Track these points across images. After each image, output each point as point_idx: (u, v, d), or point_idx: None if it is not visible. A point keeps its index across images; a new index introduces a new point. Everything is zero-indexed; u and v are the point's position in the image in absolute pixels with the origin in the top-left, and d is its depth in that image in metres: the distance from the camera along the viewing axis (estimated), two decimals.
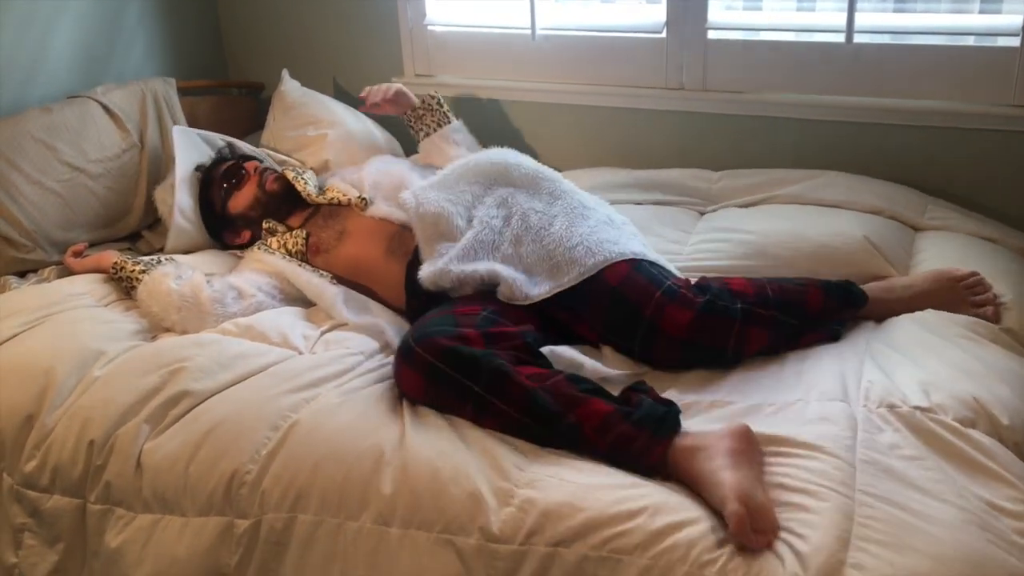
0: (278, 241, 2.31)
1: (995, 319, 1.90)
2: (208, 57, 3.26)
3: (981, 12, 2.46)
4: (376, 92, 2.62)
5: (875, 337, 1.86)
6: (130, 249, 2.57)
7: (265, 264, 2.23)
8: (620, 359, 1.87)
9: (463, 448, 1.58)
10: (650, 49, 2.69)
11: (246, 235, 2.43)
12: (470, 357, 1.66)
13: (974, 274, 1.97)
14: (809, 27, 2.59)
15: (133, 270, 2.16)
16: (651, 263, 1.97)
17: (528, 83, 2.88)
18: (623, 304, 1.87)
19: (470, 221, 2.08)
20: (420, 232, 2.09)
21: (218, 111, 3.05)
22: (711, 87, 2.67)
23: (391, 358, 1.91)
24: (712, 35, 2.61)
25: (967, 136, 2.45)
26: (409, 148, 2.83)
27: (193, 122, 2.80)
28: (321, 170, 2.68)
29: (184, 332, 2.05)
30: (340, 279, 2.19)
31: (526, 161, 2.25)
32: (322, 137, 2.76)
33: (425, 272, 2.00)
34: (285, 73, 2.94)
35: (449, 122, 2.60)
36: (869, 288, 1.98)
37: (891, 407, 1.60)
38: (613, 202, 2.32)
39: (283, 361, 1.88)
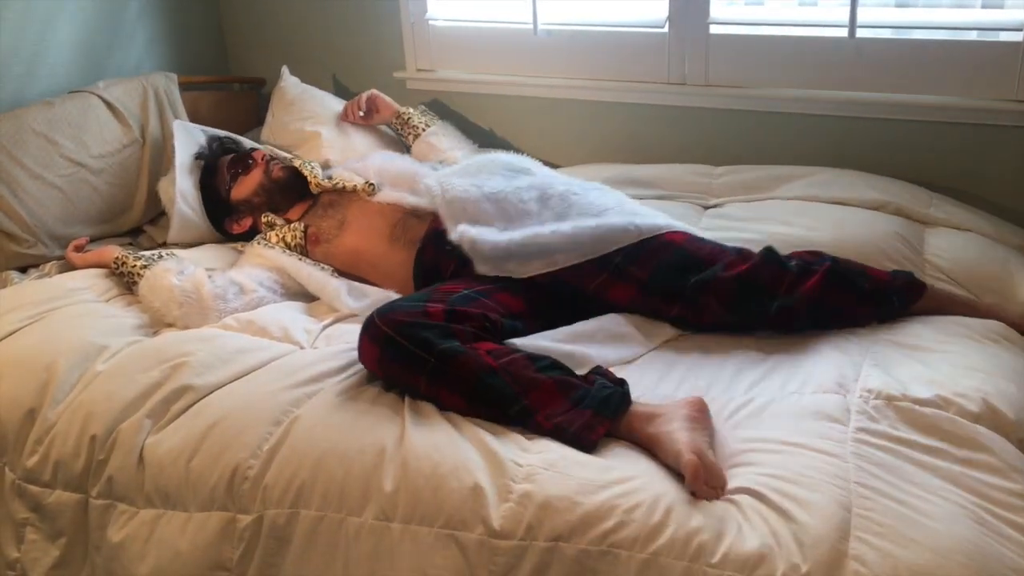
0: (277, 235, 2.31)
1: None
2: (209, 52, 3.25)
3: (983, 7, 2.46)
4: (350, 108, 2.77)
5: (879, 334, 1.85)
6: (131, 244, 2.57)
7: (265, 259, 2.23)
8: (648, 325, 1.91)
9: (462, 443, 1.58)
10: (652, 44, 2.69)
11: (247, 222, 2.44)
12: (422, 335, 1.68)
13: None
14: (811, 22, 2.59)
15: (135, 265, 2.16)
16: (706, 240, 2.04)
17: (529, 78, 2.88)
18: (689, 258, 1.93)
19: (500, 203, 2.10)
20: (449, 219, 2.09)
21: (219, 106, 3.05)
22: (713, 82, 2.66)
23: None
24: (714, 30, 2.61)
25: (969, 131, 2.44)
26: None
27: (194, 117, 2.80)
28: (323, 167, 2.68)
29: (186, 327, 2.05)
30: (340, 272, 2.20)
31: (541, 164, 2.34)
32: (318, 134, 2.76)
33: (484, 241, 2.00)
34: (285, 70, 2.94)
35: (431, 126, 2.72)
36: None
37: (889, 399, 1.60)
38: None
39: (284, 356, 1.88)
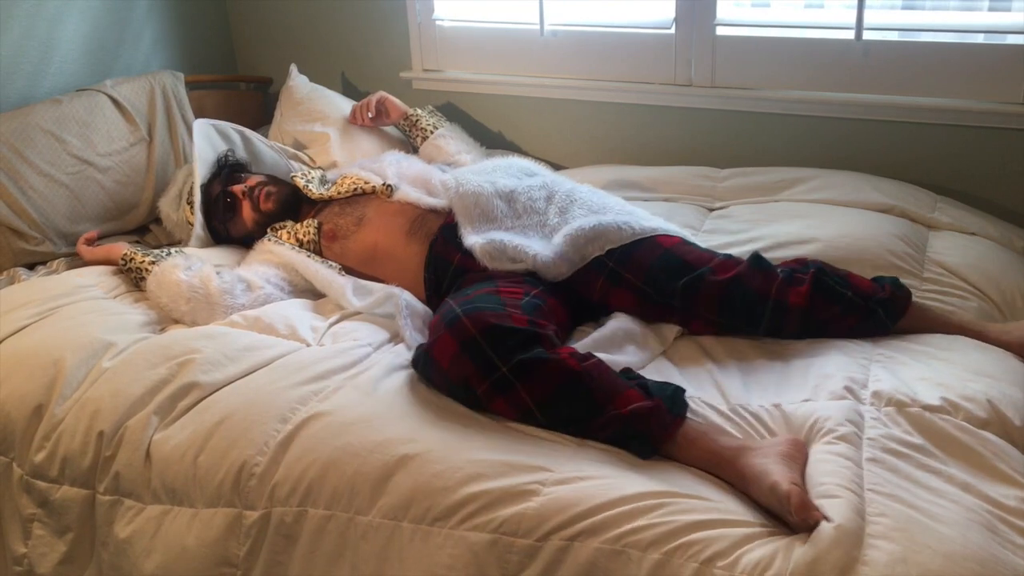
0: (288, 232, 2.32)
1: None
2: (216, 51, 3.26)
3: (990, 10, 2.46)
4: (359, 111, 2.75)
5: (884, 339, 1.84)
6: (138, 242, 2.57)
7: (274, 255, 2.24)
8: (647, 331, 1.91)
9: (480, 443, 1.57)
10: (659, 45, 2.69)
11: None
12: (507, 341, 1.66)
13: None
14: (818, 24, 2.59)
15: (143, 261, 2.17)
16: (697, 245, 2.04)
17: (535, 79, 2.88)
18: (673, 261, 1.93)
19: (511, 203, 2.13)
20: (461, 213, 2.11)
21: (226, 105, 3.05)
22: (719, 83, 2.67)
23: (400, 347, 1.92)
24: (721, 31, 2.61)
25: (975, 134, 2.45)
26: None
27: (200, 116, 2.80)
28: (329, 169, 2.69)
29: (193, 323, 2.06)
30: (351, 270, 2.20)
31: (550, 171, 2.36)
32: (326, 135, 2.77)
33: (473, 239, 2.03)
34: (293, 68, 2.95)
35: (439, 128, 2.72)
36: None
37: (900, 406, 1.59)
38: None
39: (291, 353, 1.89)
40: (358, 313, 2.07)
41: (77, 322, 1.99)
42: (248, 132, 2.63)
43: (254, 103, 3.20)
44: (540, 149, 2.92)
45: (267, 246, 2.28)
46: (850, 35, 2.45)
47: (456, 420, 1.65)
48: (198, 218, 2.39)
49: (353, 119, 2.79)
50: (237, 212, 2.38)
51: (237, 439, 1.67)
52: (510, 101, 2.95)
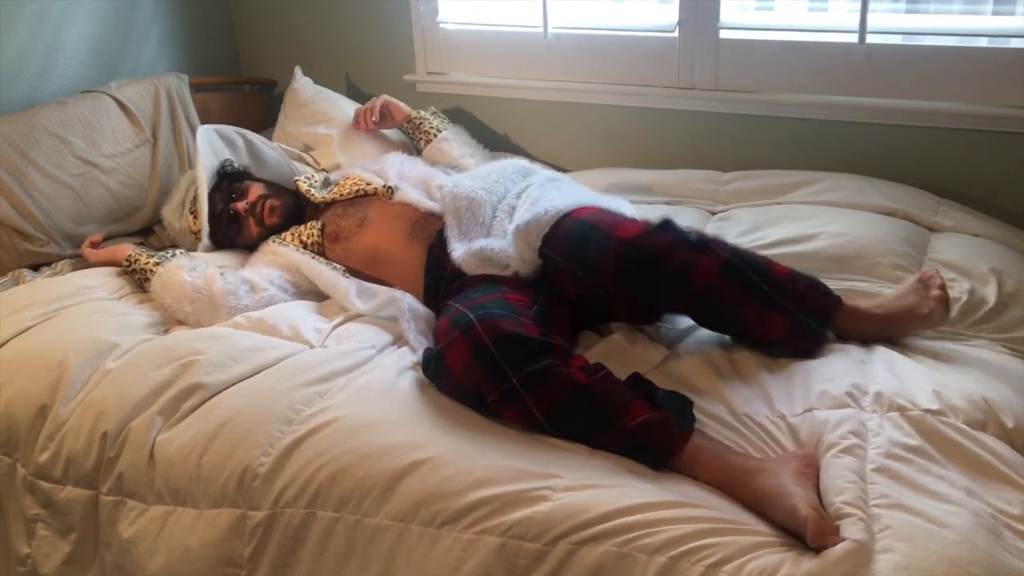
0: (292, 234, 2.32)
1: (946, 310, 1.82)
2: (221, 54, 3.27)
3: (994, 13, 2.46)
4: (363, 116, 2.73)
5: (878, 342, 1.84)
6: (142, 243, 2.58)
7: (279, 256, 2.24)
8: (641, 345, 1.89)
9: (490, 448, 1.57)
10: (662, 48, 2.70)
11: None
12: (520, 352, 1.64)
13: (925, 273, 1.88)
14: (821, 27, 2.59)
15: (147, 263, 2.18)
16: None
17: (539, 82, 2.89)
18: (584, 227, 1.87)
19: (495, 211, 2.14)
20: (452, 215, 2.11)
21: (230, 107, 3.06)
22: (723, 87, 2.67)
23: (403, 349, 1.92)
24: (724, 35, 2.61)
25: (979, 138, 2.45)
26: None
27: (205, 118, 2.81)
28: (333, 171, 2.69)
29: (197, 324, 2.07)
30: (355, 271, 2.20)
31: (549, 171, 2.34)
32: (330, 138, 2.77)
33: (457, 252, 2.03)
34: (298, 70, 2.95)
35: (443, 130, 2.70)
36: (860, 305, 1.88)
37: (901, 410, 1.59)
38: None
39: (295, 355, 1.89)
40: (362, 315, 2.07)
41: (81, 323, 2.00)
42: (251, 135, 2.63)
43: (258, 105, 3.20)
44: (543, 152, 2.93)
45: (271, 248, 2.28)
46: (853, 38, 2.45)
47: (465, 425, 1.65)
48: (205, 229, 2.38)
49: (356, 124, 2.77)
50: (242, 228, 2.38)
51: (241, 440, 1.67)
52: (513, 104, 2.96)
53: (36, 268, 2.40)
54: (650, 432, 1.56)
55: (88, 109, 2.54)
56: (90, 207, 2.48)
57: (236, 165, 2.50)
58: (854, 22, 2.43)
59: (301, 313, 2.08)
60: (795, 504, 1.38)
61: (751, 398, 1.71)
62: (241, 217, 2.36)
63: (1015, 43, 2.38)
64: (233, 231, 2.38)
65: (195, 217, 2.42)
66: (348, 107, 2.88)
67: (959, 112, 2.43)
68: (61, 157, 2.44)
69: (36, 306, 2.06)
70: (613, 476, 1.52)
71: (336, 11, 3.10)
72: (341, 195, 2.37)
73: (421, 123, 2.71)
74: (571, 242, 1.87)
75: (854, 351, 1.78)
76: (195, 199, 2.43)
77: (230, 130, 2.59)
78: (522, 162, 2.34)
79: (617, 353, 1.87)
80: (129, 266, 2.21)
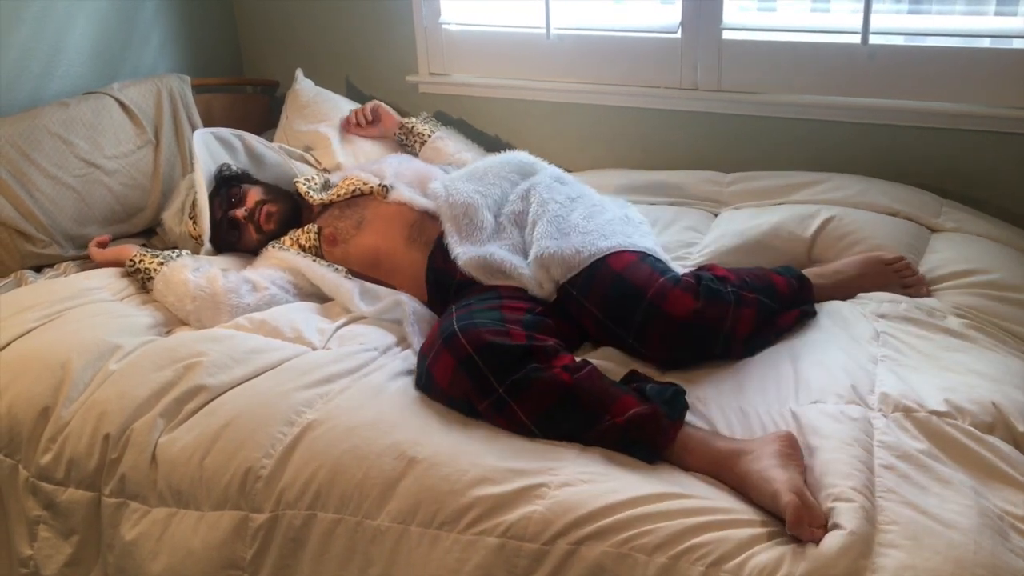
0: (291, 239, 2.32)
1: (926, 295, 2.01)
2: (223, 55, 3.27)
3: (996, 14, 2.45)
4: (356, 115, 2.78)
5: (887, 338, 1.85)
6: (145, 245, 2.58)
7: (280, 260, 2.24)
8: (617, 357, 1.87)
9: (486, 446, 1.58)
10: (665, 49, 2.69)
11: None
12: (503, 360, 1.65)
13: (901, 258, 2.05)
14: (824, 28, 2.59)
15: (151, 263, 2.18)
16: (657, 259, 1.98)
17: (542, 83, 2.89)
18: (625, 287, 1.86)
19: (497, 216, 2.12)
20: (449, 222, 2.11)
21: (232, 108, 3.06)
22: (725, 88, 2.67)
23: (406, 352, 1.92)
24: (727, 36, 2.61)
25: (981, 138, 2.44)
26: None
27: (207, 119, 2.82)
28: (334, 171, 2.69)
29: (199, 323, 2.07)
30: (356, 273, 2.20)
31: (553, 167, 2.32)
32: (328, 139, 2.78)
33: (464, 254, 2.02)
34: (299, 72, 2.95)
35: (436, 131, 2.74)
36: (806, 273, 2.03)
37: (907, 411, 1.59)
38: None
39: (297, 356, 1.89)
40: (364, 317, 2.07)
41: (84, 325, 2.00)
42: (249, 137, 2.63)
43: (260, 106, 3.20)
44: (545, 153, 2.90)
45: (272, 252, 2.28)
46: (856, 39, 2.44)
47: (462, 423, 1.66)
48: (206, 235, 2.38)
49: (347, 126, 2.81)
50: (242, 234, 2.38)
51: (244, 442, 1.67)
52: (516, 105, 2.95)
53: (39, 269, 2.40)
54: (640, 427, 1.57)
55: (90, 110, 2.54)
56: (92, 208, 2.48)
57: (234, 169, 2.50)
58: (857, 23, 2.43)
59: (304, 315, 2.07)
60: (777, 489, 1.39)
61: (757, 390, 1.73)
62: (240, 224, 2.36)
63: (1017, 44, 2.38)
64: (233, 237, 2.39)
65: (194, 222, 2.42)
66: (348, 109, 2.88)
67: (962, 113, 2.43)
68: (63, 158, 2.44)
69: (39, 308, 2.06)
70: (607, 469, 1.53)
71: (338, 12, 3.10)
72: (339, 196, 2.37)
73: (413, 127, 2.76)
74: (610, 300, 1.86)
75: (861, 349, 1.79)
76: (194, 204, 2.43)
77: (228, 133, 2.59)
78: (520, 156, 2.31)
79: (618, 356, 1.87)
80: (132, 267, 2.21)
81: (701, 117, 2.73)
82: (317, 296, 2.21)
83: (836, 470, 1.44)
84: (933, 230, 2.29)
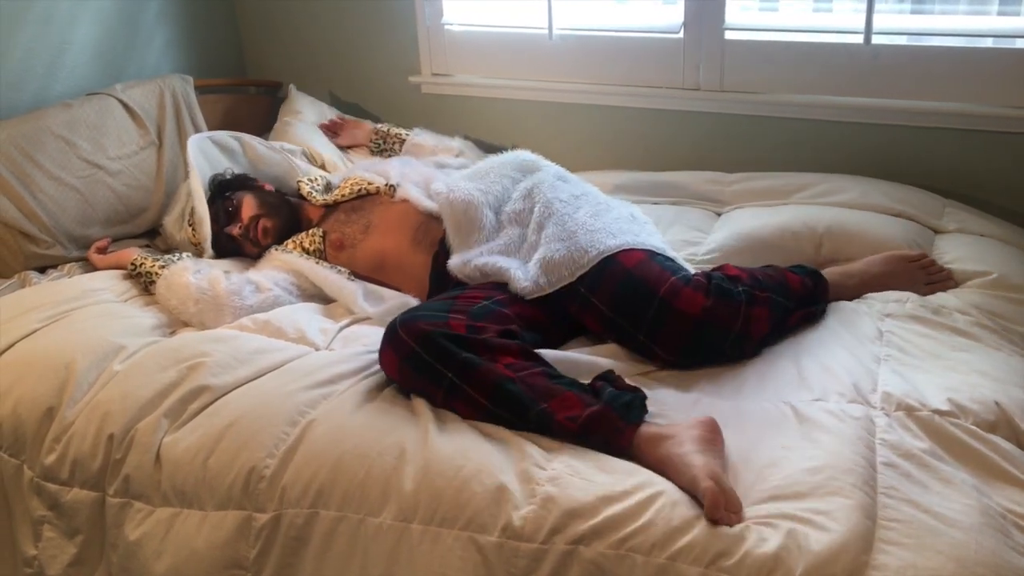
0: (294, 242, 2.32)
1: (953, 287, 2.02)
2: (226, 56, 3.27)
3: (999, 14, 2.46)
4: (331, 122, 2.91)
5: (890, 337, 1.85)
6: (148, 246, 2.58)
7: (283, 262, 2.25)
8: (622, 355, 1.87)
9: (485, 445, 1.58)
10: (667, 49, 2.70)
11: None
12: (444, 346, 1.68)
13: (924, 255, 2.07)
14: (826, 28, 2.59)
15: (153, 266, 2.19)
16: (667, 258, 1.98)
17: (544, 83, 2.89)
18: (636, 285, 1.86)
19: (499, 214, 2.12)
20: (450, 220, 2.12)
21: (235, 109, 3.07)
22: (728, 88, 2.67)
23: None
24: (729, 36, 2.61)
25: (984, 138, 2.44)
26: None
27: (210, 120, 2.82)
28: (334, 172, 2.70)
29: (202, 325, 2.07)
30: (360, 276, 2.21)
31: (555, 165, 2.31)
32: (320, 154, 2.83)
33: (453, 262, 2.05)
34: (292, 87, 3.02)
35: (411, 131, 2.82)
36: (827, 273, 2.02)
37: (909, 410, 1.59)
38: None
39: (301, 357, 1.89)
40: (367, 317, 2.08)
41: (88, 325, 2.00)
42: (248, 138, 2.63)
43: (263, 107, 3.21)
44: (547, 153, 2.89)
45: (274, 254, 2.29)
46: (859, 39, 2.45)
47: (465, 423, 1.65)
48: (207, 239, 2.38)
49: (325, 126, 2.93)
50: (242, 246, 2.38)
51: (247, 442, 1.67)
52: (518, 105, 2.96)
53: (42, 270, 2.40)
54: (594, 425, 1.57)
55: (93, 111, 2.54)
56: (95, 209, 2.49)
57: (228, 175, 2.50)
58: (860, 23, 2.43)
59: (307, 316, 2.08)
60: (695, 475, 1.43)
61: (758, 387, 1.73)
62: (239, 237, 2.37)
63: (1021, 44, 2.38)
64: (232, 249, 2.40)
65: (194, 230, 2.42)
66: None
67: (965, 113, 2.43)
68: (66, 159, 2.44)
69: (43, 308, 2.07)
70: (591, 460, 1.53)
71: (341, 13, 3.10)
72: (343, 196, 2.37)
73: (388, 130, 2.84)
74: (620, 297, 1.86)
75: (864, 347, 1.79)
76: (193, 212, 2.43)
77: (225, 135, 2.60)
78: (522, 155, 2.30)
79: (608, 354, 1.87)
80: (134, 269, 2.22)
81: (703, 117, 2.73)
82: (320, 297, 2.21)
83: (838, 464, 1.44)
84: (937, 231, 2.29)
